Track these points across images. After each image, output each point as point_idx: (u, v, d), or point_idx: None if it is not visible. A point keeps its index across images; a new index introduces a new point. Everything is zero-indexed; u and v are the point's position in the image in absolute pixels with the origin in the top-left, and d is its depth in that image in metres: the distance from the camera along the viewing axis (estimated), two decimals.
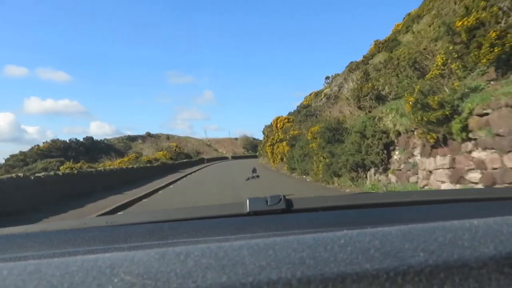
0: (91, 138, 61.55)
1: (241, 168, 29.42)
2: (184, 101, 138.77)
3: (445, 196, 1.18)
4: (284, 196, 0.90)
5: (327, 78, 36.15)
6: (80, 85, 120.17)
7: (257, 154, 73.05)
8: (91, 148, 48.53)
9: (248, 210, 0.90)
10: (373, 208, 0.99)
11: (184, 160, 39.69)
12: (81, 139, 59.61)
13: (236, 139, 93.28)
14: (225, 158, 70.24)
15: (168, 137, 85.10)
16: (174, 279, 0.47)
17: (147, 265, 0.49)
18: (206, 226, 0.85)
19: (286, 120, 35.00)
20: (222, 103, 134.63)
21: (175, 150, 44.90)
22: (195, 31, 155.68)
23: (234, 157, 75.04)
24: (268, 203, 0.91)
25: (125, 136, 70.80)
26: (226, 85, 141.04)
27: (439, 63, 8.45)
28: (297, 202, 0.93)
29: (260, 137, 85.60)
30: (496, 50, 6.29)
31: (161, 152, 37.42)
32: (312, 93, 36.93)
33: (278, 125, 35.59)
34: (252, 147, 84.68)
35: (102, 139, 67.93)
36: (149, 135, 73.12)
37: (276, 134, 30.41)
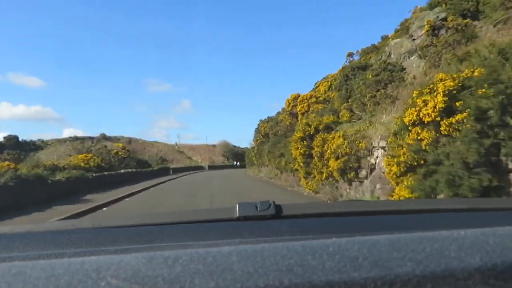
0: (15, 137, 39.95)
1: (229, 192, 15.67)
2: (162, 109, 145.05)
3: (435, 205, 1.17)
4: (274, 202, 0.94)
5: (349, 55, 26.01)
6: (54, 91, 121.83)
7: (236, 163, 65.14)
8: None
9: (237, 215, 0.92)
10: (363, 216, 1.01)
11: (129, 171, 25.34)
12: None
13: (214, 145, 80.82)
14: (200, 168, 59.29)
15: (130, 140, 69.09)
16: (161, 284, 0.46)
17: (134, 269, 0.48)
18: (195, 230, 0.87)
19: (314, 99, 11.76)
20: (200, 113, 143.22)
21: (116, 153, 23.25)
22: (176, 39, 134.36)
23: (211, 167, 63.25)
24: (258, 209, 0.93)
25: (70, 137, 49.76)
26: (204, 95, 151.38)
27: None
28: (286, 208, 0.95)
29: (243, 145, 76.11)
30: None
31: (81, 155, 15.41)
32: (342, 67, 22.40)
33: (299, 109, 12.73)
34: (233, 155, 74.49)
35: (35, 139, 56.04)
36: (104, 137, 51.27)
37: (310, 119, 15.33)
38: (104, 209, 10.96)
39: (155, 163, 45.95)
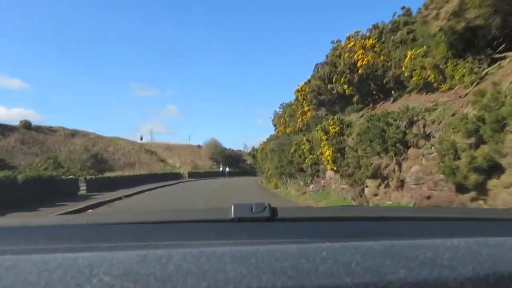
0: None
1: None
2: (147, 114, 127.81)
3: (430, 213, 1.15)
4: (269, 204, 0.94)
5: None
6: (37, 94, 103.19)
7: (224, 169, 48.42)
8: None
9: (232, 216, 0.90)
10: (357, 221, 1.00)
11: None
12: None
13: (199, 146, 59.76)
14: (176, 177, 37.37)
15: (74, 133, 46.31)
16: (153, 282, 0.46)
17: (127, 267, 0.49)
18: (189, 229, 0.86)
19: None
20: (186, 118, 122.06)
21: None
22: (164, 44, 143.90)
23: (193, 174, 41.59)
24: (253, 211, 0.91)
25: None
26: (190, 100, 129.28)
27: None
28: (282, 211, 0.94)
29: (235, 147, 66.95)
30: None
31: None
32: None
33: None
34: (224, 159, 54.80)
35: None
36: (25, 126, 40.46)
37: None
38: None
39: (78, 166, 21.48)
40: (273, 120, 25.75)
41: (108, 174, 25.99)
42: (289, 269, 0.46)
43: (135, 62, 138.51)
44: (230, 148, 65.04)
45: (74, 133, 49.36)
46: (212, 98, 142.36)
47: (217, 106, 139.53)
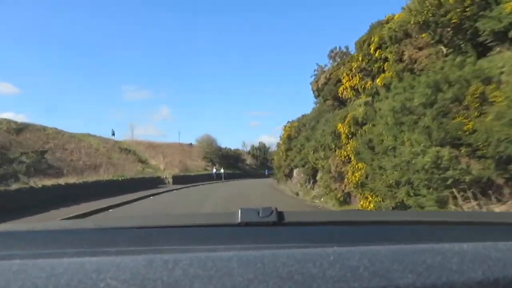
0: None
1: None
2: (140, 116, 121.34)
3: (437, 217, 1.15)
4: (276, 209, 0.94)
5: None
6: (29, 98, 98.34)
7: (219, 171, 40.88)
8: None
9: (239, 220, 0.91)
10: (365, 225, 1.00)
11: None
12: None
13: (191, 144, 51.07)
14: (154, 184, 27.55)
15: (22, 128, 29.27)
16: (160, 287, 0.47)
17: (134, 272, 0.50)
18: (196, 234, 0.87)
19: None
20: (180, 119, 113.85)
21: None
22: (155, 45, 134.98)
23: (180, 179, 31.58)
24: (260, 215, 0.91)
25: None
26: (185, 101, 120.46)
27: None
28: (288, 216, 0.94)
29: (234, 145, 70.32)
30: None
31: None
32: None
33: None
34: (220, 159, 48.37)
35: None
36: None
37: None
38: None
39: None
40: (315, 82, 14.51)
41: (18, 184, 14.83)
42: (296, 274, 0.45)
43: (129, 63, 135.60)
44: (227, 147, 55.20)
45: (22, 128, 37.21)
46: (208, 99, 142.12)
47: (213, 107, 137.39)
